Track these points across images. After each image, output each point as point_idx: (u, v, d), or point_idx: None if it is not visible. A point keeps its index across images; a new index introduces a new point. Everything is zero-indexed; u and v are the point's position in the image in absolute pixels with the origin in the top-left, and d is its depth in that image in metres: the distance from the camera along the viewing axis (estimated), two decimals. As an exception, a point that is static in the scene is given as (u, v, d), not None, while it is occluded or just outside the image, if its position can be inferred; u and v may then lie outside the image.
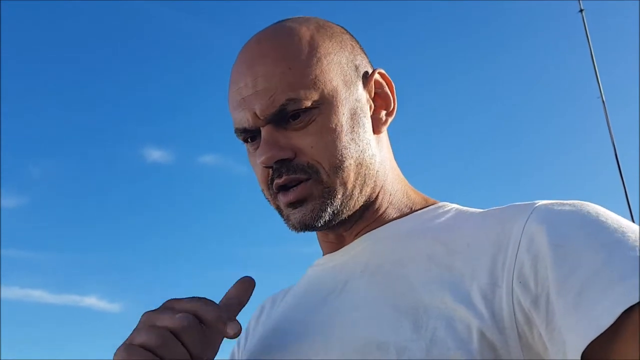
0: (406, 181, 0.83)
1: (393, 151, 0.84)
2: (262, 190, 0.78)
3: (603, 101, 4.48)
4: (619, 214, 0.64)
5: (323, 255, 0.83)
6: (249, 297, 0.70)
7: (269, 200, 0.78)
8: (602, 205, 0.65)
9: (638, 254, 0.55)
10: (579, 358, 0.53)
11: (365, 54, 0.82)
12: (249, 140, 0.76)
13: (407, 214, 0.78)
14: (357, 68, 0.78)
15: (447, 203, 0.79)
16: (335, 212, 0.74)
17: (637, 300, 0.52)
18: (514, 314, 0.59)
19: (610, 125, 4.33)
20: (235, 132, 0.77)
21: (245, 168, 0.77)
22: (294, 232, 0.75)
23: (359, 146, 0.75)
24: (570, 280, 0.56)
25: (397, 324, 0.63)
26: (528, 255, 0.60)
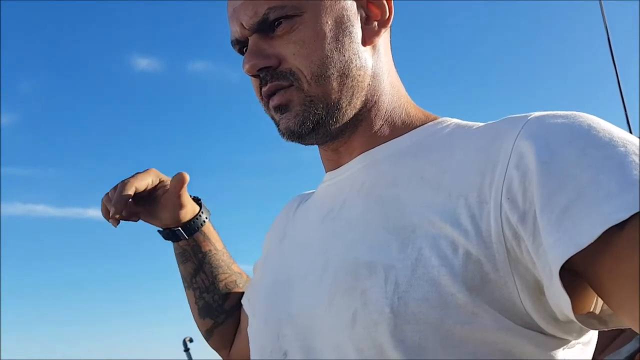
0: (408, 97, 0.82)
1: (396, 66, 0.83)
2: (260, 102, 0.80)
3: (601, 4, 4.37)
4: (615, 122, 0.62)
5: (325, 172, 0.86)
6: (179, 187, 0.96)
7: (266, 112, 0.80)
8: (598, 112, 0.63)
9: (626, 171, 0.55)
10: (558, 273, 0.54)
11: None
12: (244, 51, 0.78)
13: (406, 132, 0.78)
14: None
15: (447, 118, 0.79)
16: (320, 121, 0.75)
17: (618, 221, 0.52)
18: (502, 230, 0.60)
19: (607, 25, 4.24)
20: (231, 44, 0.80)
21: (239, 74, 0.77)
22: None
23: (344, 56, 0.74)
24: (555, 198, 0.56)
25: (386, 244, 0.66)
26: (517, 171, 0.60)
